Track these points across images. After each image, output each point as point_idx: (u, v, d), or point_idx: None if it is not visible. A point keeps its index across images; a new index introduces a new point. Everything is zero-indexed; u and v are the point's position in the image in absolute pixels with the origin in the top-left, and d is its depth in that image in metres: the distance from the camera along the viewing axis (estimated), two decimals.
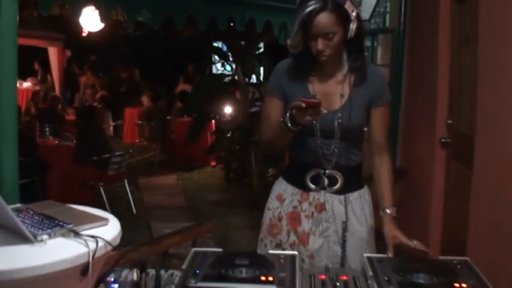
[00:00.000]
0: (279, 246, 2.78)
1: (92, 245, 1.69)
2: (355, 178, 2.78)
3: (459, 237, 4.03)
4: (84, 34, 12.59)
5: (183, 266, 2.12)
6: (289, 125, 2.48)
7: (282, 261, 2.20)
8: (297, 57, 2.67)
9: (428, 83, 4.80)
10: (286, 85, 2.72)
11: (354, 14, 2.51)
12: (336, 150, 2.67)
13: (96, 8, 4.52)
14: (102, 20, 5.12)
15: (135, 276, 2.09)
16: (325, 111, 2.43)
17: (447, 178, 4.49)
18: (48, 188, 7.54)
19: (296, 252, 2.32)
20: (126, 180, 7.74)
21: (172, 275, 2.21)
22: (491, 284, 1.99)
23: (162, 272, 2.24)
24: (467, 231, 3.82)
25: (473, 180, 3.74)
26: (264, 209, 2.92)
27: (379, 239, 2.75)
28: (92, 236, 1.73)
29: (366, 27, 5.27)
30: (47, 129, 8.79)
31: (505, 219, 3.28)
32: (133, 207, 7.68)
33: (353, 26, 2.51)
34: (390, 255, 2.48)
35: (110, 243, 1.75)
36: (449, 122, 4.45)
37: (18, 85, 10.24)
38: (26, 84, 15.09)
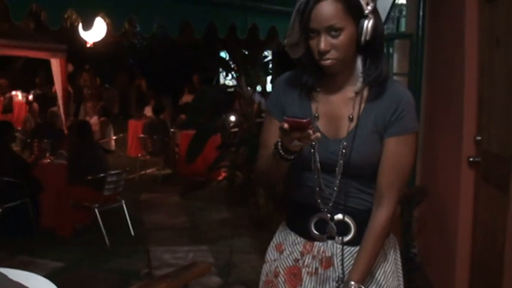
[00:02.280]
0: None
1: None
2: None
3: (491, 269, 3.63)
4: (88, 45, 12.39)
5: None
6: (281, 152, 1.94)
7: None
8: (299, 66, 2.12)
9: (452, 93, 4.31)
10: (285, 102, 2.18)
11: (369, 7, 1.95)
12: (335, 188, 2.10)
13: (109, 18, 4.18)
14: (114, 31, 4.88)
15: None
16: (319, 135, 1.86)
17: (476, 202, 4.04)
18: (41, 210, 7.20)
19: None
20: (123, 201, 7.26)
21: None
22: None
23: None
24: (502, 263, 3.37)
25: (510, 206, 3.27)
26: (271, 230, 2.40)
27: None
28: None
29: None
30: (45, 146, 8.41)
31: None
32: (131, 229, 7.23)
33: (368, 24, 1.94)
34: None
35: None
36: (478, 138, 3.95)
37: (21, 98, 10.00)
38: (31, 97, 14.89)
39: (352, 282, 2.02)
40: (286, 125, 1.82)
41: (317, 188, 2.11)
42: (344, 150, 2.05)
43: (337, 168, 2.07)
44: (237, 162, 8.66)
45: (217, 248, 6.77)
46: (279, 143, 1.93)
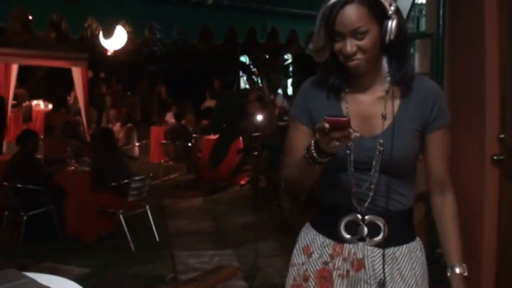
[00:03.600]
0: None
1: None
2: (403, 227, 2.18)
3: None
4: (109, 53, 12.48)
5: None
6: (315, 155, 1.92)
7: None
8: (325, 69, 2.12)
9: (474, 91, 4.26)
10: (313, 107, 2.16)
11: (392, 8, 1.95)
12: (372, 187, 2.09)
13: (130, 26, 4.19)
14: (135, 38, 4.90)
15: None
16: (358, 135, 1.84)
17: (501, 200, 3.99)
18: (65, 217, 7.25)
19: None
20: (147, 207, 7.29)
21: None
22: None
23: None
24: None
25: None
26: (296, 233, 2.37)
27: None
28: None
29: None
30: (69, 153, 8.46)
31: None
32: (156, 235, 7.25)
33: (392, 24, 1.95)
34: None
35: None
36: (502, 136, 3.91)
37: (43, 107, 10.12)
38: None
39: (457, 266, 2.12)
40: (327, 125, 1.80)
41: (352, 189, 2.10)
42: (381, 148, 2.05)
43: (373, 167, 2.07)
44: (259, 165, 8.65)
45: (242, 251, 6.77)
46: (312, 147, 1.92)
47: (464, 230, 4.44)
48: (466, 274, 2.11)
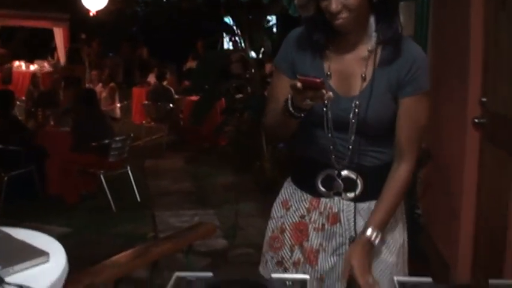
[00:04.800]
0: (280, 264, 2.25)
1: None
2: (380, 182, 2.14)
3: (495, 230, 3.62)
4: (91, 14, 12.33)
5: None
6: (291, 109, 1.92)
7: None
8: (310, 24, 2.07)
9: (458, 55, 4.26)
10: (297, 59, 2.13)
11: None
12: (350, 147, 2.09)
13: None
14: None
15: None
16: (331, 96, 1.84)
17: (481, 163, 4.01)
18: (46, 177, 7.22)
19: (307, 276, 1.81)
20: (128, 167, 7.28)
21: None
22: None
23: None
24: (506, 224, 3.36)
25: None
26: (277, 194, 2.37)
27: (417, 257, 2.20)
28: (20, 286, 1.23)
29: None
30: (49, 114, 8.41)
31: None
32: (137, 195, 7.26)
33: None
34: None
35: None
36: (484, 100, 3.91)
37: (24, 68, 10.11)
38: (33, 67, 14.81)
39: (370, 229, 2.04)
40: (299, 84, 1.79)
41: (331, 147, 2.10)
42: (357, 110, 2.03)
43: (350, 127, 2.05)
44: (241, 127, 8.64)
45: (222, 211, 6.80)
46: (289, 100, 1.91)
47: (445, 192, 4.51)
48: (375, 242, 2.05)
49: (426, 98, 2.09)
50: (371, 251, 2.06)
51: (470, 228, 4.14)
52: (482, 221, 4.01)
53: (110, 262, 3.20)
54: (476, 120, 3.95)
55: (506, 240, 3.35)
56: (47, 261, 1.39)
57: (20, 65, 16.20)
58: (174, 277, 1.80)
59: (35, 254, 1.40)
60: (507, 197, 3.36)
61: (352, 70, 2.06)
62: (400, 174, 2.10)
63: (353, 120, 2.04)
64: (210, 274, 1.83)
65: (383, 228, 2.08)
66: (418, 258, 2.15)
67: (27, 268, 1.34)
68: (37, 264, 1.36)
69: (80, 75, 13.50)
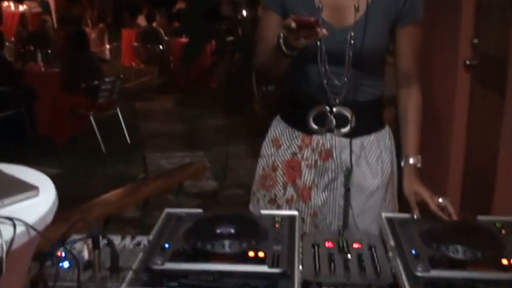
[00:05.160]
0: (273, 201, 2.25)
1: (8, 232, 1.19)
2: (372, 116, 2.19)
3: (484, 170, 3.65)
4: None
5: (150, 236, 1.64)
6: (283, 48, 1.89)
7: (277, 225, 1.71)
8: None
9: None
10: None
11: None
12: (345, 80, 2.07)
13: None
14: None
15: (85, 253, 1.62)
16: (326, 33, 1.80)
17: (471, 105, 4.01)
18: (36, 118, 7.18)
19: (296, 213, 1.82)
20: (118, 108, 7.27)
21: (139, 244, 1.73)
22: None
23: (128, 239, 1.77)
24: (495, 164, 3.38)
25: (506, 108, 3.26)
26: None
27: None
28: (10, 218, 1.23)
29: None
30: (39, 54, 8.32)
31: None
32: (127, 136, 7.26)
33: None
34: (416, 216, 1.92)
35: (34, 228, 1.24)
36: (475, 41, 3.88)
37: (13, 8, 9.95)
38: (22, 7, 14.62)
39: (412, 157, 2.14)
40: (293, 24, 1.76)
41: (324, 81, 2.09)
42: (352, 41, 2.02)
43: (346, 59, 2.04)
44: (232, 69, 8.60)
45: (213, 153, 6.83)
46: (281, 40, 1.89)
47: (435, 133, 4.52)
48: (419, 165, 2.15)
49: (422, 25, 2.14)
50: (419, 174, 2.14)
51: (459, 168, 4.16)
52: (471, 162, 4.03)
53: (100, 200, 3.23)
54: (467, 62, 3.93)
55: (494, 180, 3.38)
56: (37, 195, 1.39)
57: (8, 5, 16.00)
58: (164, 213, 1.81)
59: (25, 188, 1.40)
60: (497, 137, 3.37)
61: (344, 1, 2.04)
62: (415, 97, 2.19)
63: (348, 52, 2.03)
64: (199, 211, 1.84)
65: (419, 150, 2.16)
66: (407, 200, 2.18)
67: (17, 202, 1.33)
68: (27, 198, 1.36)
69: (79, 14, 13.33)
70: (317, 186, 2.18)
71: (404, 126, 2.19)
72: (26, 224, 1.22)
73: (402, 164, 2.16)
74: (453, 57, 4.08)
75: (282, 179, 2.23)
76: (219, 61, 8.71)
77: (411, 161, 2.13)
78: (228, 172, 6.10)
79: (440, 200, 2.01)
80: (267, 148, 2.31)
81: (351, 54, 2.03)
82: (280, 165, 2.24)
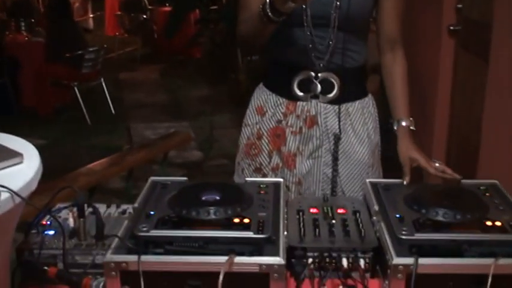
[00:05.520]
0: (258, 170, 2.24)
1: None
2: (356, 83, 2.19)
3: (468, 136, 3.66)
4: None
5: (136, 204, 1.64)
6: (270, 14, 1.86)
7: (262, 192, 1.71)
8: None
9: None
10: None
11: None
12: (331, 43, 2.06)
13: None
14: None
15: (71, 221, 1.62)
16: None
17: (455, 71, 4.02)
18: (20, 89, 7.12)
19: (281, 180, 1.81)
20: (102, 79, 7.22)
21: (124, 212, 1.74)
22: None
23: (113, 208, 1.78)
24: (479, 130, 3.40)
25: (489, 73, 3.26)
26: None
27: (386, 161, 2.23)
28: None
29: None
30: (22, 24, 8.22)
31: None
32: (111, 107, 7.23)
33: None
34: (406, 182, 1.91)
35: (18, 195, 1.24)
36: (459, 6, 3.87)
37: None
38: None
39: (404, 120, 2.12)
40: None
41: (310, 46, 2.07)
42: (338, 3, 2.00)
43: (331, 23, 2.03)
44: (216, 39, 8.54)
45: (197, 123, 6.82)
46: (267, 4, 1.86)
47: (419, 99, 4.53)
48: (412, 127, 2.13)
49: None
50: (413, 137, 2.13)
51: (443, 134, 4.18)
52: (455, 127, 4.05)
53: (85, 170, 3.23)
54: (451, 28, 3.93)
55: (478, 145, 3.40)
56: (21, 162, 1.38)
57: None
58: (149, 181, 1.81)
59: (9, 155, 1.40)
60: (481, 103, 3.38)
61: None
62: (400, 61, 2.18)
63: (334, 14, 2.01)
64: (185, 179, 1.84)
65: (410, 113, 2.15)
66: (391, 167, 2.17)
67: (1, 168, 1.34)
68: (11, 165, 1.36)
69: None
70: (302, 154, 2.17)
71: (392, 91, 2.19)
72: (10, 191, 1.22)
73: (395, 128, 2.15)
74: (437, 22, 4.07)
75: (267, 147, 2.23)
76: (203, 30, 8.65)
77: (403, 123, 2.12)
78: (213, 142, 6.09)
79: (437, 164, 2.01)
80: (251, 117, 2.30)
81: (336, 17, 2.02)
82: (265, 133, 2.23)
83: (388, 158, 2.30)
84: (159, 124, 6.81)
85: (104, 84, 7.29)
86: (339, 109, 2.14)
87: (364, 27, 2.15)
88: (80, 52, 6.93)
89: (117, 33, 11.10)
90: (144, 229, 1.46)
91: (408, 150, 2.08)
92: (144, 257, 1.36)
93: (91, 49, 7.09)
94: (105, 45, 7.62)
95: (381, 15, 2.13)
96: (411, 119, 2.13)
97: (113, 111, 7.25)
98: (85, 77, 7.05)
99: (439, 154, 4.19)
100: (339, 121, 2.13)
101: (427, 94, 4.39)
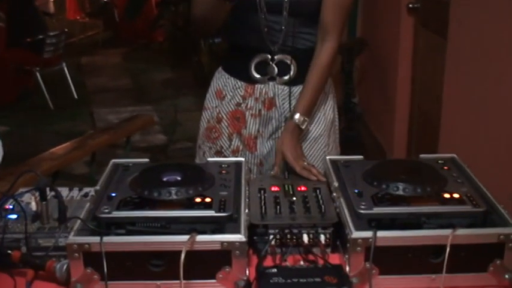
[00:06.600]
0: (219, 153, 2.26)
1: None
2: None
3: (429, 113, 3.74)
4: None
5: (97, 186, 1.64)
6: None
7: (224, 172, 1.73)
8: None
9: None
10: None
11: None
12: (283, 28, 2.05)
13: None
14: None
15: (33, 205, 1.62)
16: None
17: (415, 49, 4.07)
18: None
19: (242, 159, 1.83)
20: (64, 64, 7.15)
21: (86, 195, 1.74)
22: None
23: (75, 191, 1.78)
24: (440, 107, 3.45)
25: (448, 50, 3.33)
26: None
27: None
28: None
29: None
30: None
31: (483, 91, 2.93)
32: (74, 92, 7.17)
33: None
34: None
35: None
36: None
37: None
38: None
39: (297, 115, 2.04)
40: None
41: (265, 29, 2.07)
42: None
43: (284, 9, 2.03)
44: (177, 21, 8.50)
45: (161, 107, 6.79)
46: None
47: (380, 80, 4.57)
48: (303, 127, 2.06)
49: None
50: (300, 135, 2.10)
51: (405, 113, 4.24)
52: (416, 106, 4.10)
53: (48, 154, 3.21)
54: (410, 6, 3.98)
55: (439, 123, 3.45)
56: None
57: None
58: (111, 163, 1.82)
59: None
60: (441, 80, 3.43)
61: None
62: (323, 54, 2.08)
63: (286, 1, 2.01)
64: (146, 160, 1.84)
65: (310, 112, 2.10)
66: (354, 146, 2.18)
67: None
68: None
69: None
70: (262, 136, 2.19)
71: (305, 81, 2.10)
72: None
73: (287, 117, 2.12)
74: (397, 1, 4.11)
75: (227, 130, 2.24)
76: (164, 13, 8.59)
77: (295, 118, 2.05)
78: (177, 126, 6.08)
79: (305, 163, 1.96)
80: (210, 100, 2.31)
81: (288, 4, 2.01)
82: (224, 117, 2.24)
83: (349, 137, 2.33)
84: (122, 108, 6.76)
85: (66, 69, 7.22)
86: (290, 90, 2.14)
87: (315, 13, 2.08)
88: (41, 37, 6.85)
89: (78, 17, 10.98)
90: (106, 211, 1.46)
91: (283, 144, 2.03)
92: (106, 238, 1.36)
93: (52, 33, 7.02)
94: (66, 29, 7.52)
95: (322, 4, 2.06)
96: (306, 118, 2.06)
97: (76, 96, 7.19)
98: (47, 61, 6.97)
99: (401, 130, 4.25)
100: (290, 103, 2.14)
101: (388, 72, 4.43)
